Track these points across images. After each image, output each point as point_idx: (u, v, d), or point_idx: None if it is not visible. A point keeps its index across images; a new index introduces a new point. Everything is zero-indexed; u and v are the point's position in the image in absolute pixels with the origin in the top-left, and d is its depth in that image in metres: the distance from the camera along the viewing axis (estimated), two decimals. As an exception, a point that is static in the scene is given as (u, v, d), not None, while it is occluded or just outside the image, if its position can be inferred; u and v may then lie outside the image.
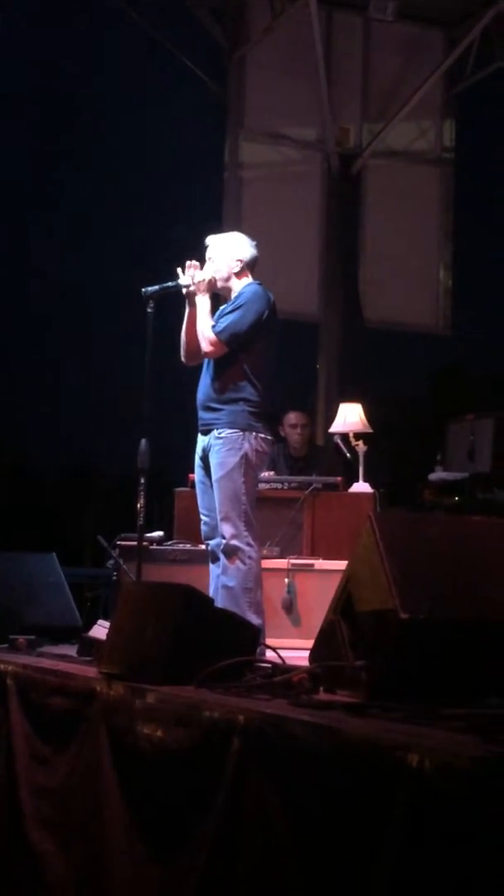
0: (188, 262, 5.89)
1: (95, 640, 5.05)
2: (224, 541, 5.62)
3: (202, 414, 5.81)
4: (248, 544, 5.64)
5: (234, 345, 5.75)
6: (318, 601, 6.37)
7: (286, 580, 6.78)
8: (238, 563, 5.61)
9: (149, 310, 5.88)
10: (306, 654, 4.17)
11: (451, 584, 3.73)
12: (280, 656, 4.38)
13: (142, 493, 5.86)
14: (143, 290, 5.90)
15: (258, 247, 6.03)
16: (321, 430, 9.37)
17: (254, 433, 5.70)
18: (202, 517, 5.84)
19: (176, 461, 7.35)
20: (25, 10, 11.57)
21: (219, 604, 5.38)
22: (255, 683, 3.92)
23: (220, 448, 5.67)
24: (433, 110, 11.66)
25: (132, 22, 10.94)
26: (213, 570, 5.76)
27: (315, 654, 4.07)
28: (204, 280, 5.87)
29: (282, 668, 4.11)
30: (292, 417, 8.56)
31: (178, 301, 5.95)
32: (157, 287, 5.89)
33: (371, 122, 11.39)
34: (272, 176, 11.22)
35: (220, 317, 5.82)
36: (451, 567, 3.80)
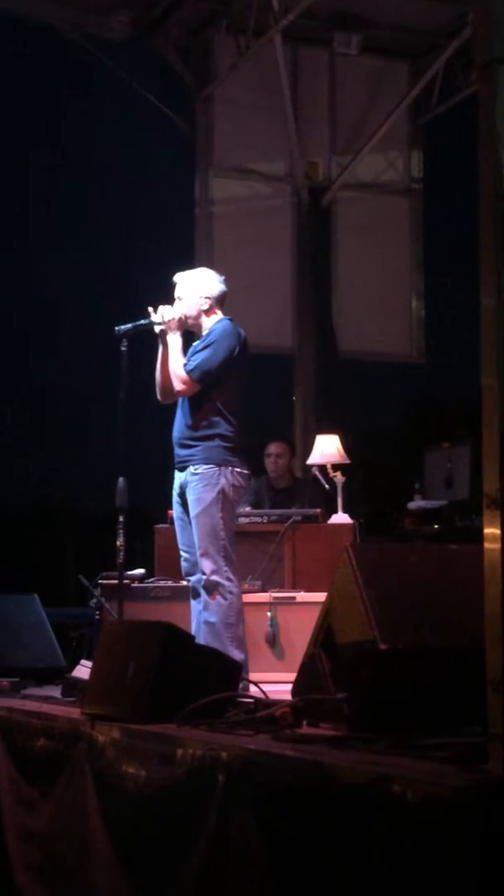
0: (161, 306, 5.91)
1: (79, 681, 5.05)
2: (204, 577, 5.63)
3: (178, 451, 5.82)
4: (228, 579, 5.64)
5: (205, 382, 5.76)
6: (300, 634, 6.36)
7: (268, 614, 6.78)
8: (219, 598, 5.61)
9: (122, 348, 5.91)
10: (291, 687, 4.18)
11: (430, 613, 3.75)
12: (262, 691, 4.39)
13: (121, 531, 5.86)
14: (116, 328, 5.92)
15: (229, 281, 6.05)
16: (299, 463, 9.36)
17: (230, 468, 5.71)
18: (182, 553, 5.84)
19: (154, 498, 7.35)
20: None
21: (201, 640, 5.39)
22: (237, 719, 3.93)
23: (196, 484, 5.68)
24: (400, 141, 11.73)
25: (98, 62, 10.99)
26: (195, 606, 5.76)
27: (297, 687, 4.08)
28: (174, 318, 5.88)
29: (264, 703, 4.11)
30: (269, 448, 8.59)
31: (154, 339, 5.97)
32: (129, 325, 5.92)
33: (339, 155, 11.44)
34: (243, 211, 11.25)
35: (192, 355, 5.83)
36: (430, 596, 3.81)
